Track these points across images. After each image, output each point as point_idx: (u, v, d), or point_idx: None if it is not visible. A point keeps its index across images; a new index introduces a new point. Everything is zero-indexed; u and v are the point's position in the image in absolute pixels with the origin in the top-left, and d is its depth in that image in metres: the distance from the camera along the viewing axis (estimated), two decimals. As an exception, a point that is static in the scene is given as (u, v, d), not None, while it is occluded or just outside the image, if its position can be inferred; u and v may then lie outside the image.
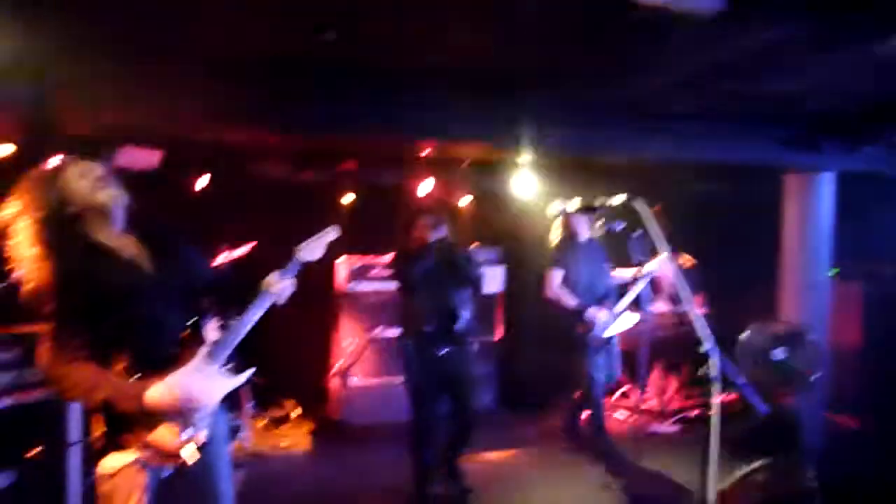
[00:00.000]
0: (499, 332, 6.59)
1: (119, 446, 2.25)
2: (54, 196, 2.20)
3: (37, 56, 3.53)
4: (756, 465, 3.65)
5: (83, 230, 2.27)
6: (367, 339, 6.06)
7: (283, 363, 6.34)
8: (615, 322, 4.94)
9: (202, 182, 5.93)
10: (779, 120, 5.39)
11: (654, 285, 4.85)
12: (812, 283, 5.96)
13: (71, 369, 2.16)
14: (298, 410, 6.17)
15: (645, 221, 2.43)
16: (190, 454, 2.26)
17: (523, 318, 6.58)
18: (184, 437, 2.26)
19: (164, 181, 5.45)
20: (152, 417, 2.23)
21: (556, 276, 4.98)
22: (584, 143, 5.29)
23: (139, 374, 2.24)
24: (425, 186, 6.66)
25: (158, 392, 2.20)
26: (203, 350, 2.37)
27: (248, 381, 2.63)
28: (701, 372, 2.15)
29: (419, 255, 3.96)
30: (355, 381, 6.03)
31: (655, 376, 6.41)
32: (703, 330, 2.16)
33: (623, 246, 4.57)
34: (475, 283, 4.31)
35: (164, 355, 2.29)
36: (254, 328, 2.49)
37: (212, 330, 2.48)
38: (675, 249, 6.02)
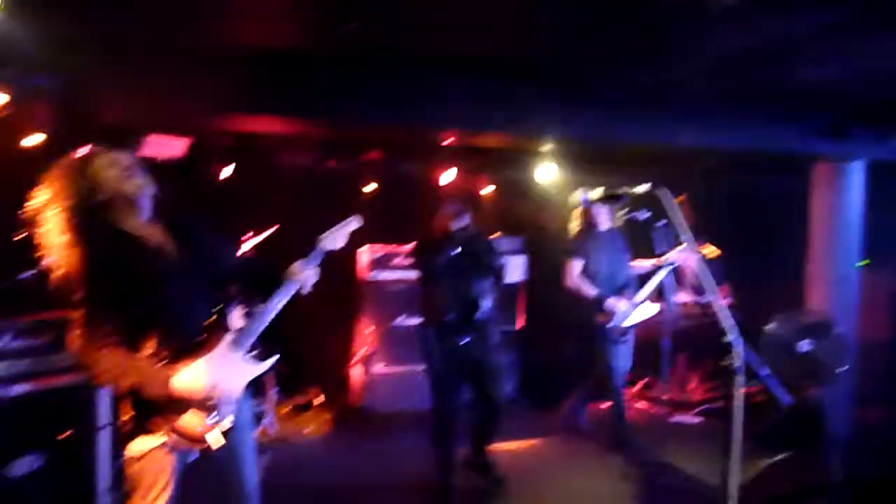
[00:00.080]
0: (521, 322, 6.58)
1: (146, 430, 2.31)
2: (83, 185, 2.24)
3: (65, 48, 3.58)
4: (779, 457, 3.62)
5: (111, 218, 2.31)
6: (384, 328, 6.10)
7: (307, 351, 6.41)
8: (634, 312, 4.92)
9: (227, 171, 5.98)
10: (808, 107, 5.30)
11: (678, 275, 4.80)
12: (840, 275, 5.87)
13: (100, 355, 2.21)
14: (321, 398, 6.24)
15: (668, 211, 2.41)
16: (215, 439, 2.30)
17: (545, 307, 6.57)
18: (209, 422, 2.30)
19: (189, 170, 5.51)
20: (178, 403, 2.28)
21: (575, 266, 4.96)
22: (607, 131, 5.25)
23: (166, 360, 2.29)
24: (448, 176, 6.66)
25: (185, 378, 2.24)
26: (228, 337, 2.40)
27: (272, 369, 2.66)
28: (724, 363, 2.13)
29: (441, 245, 3.97)
30: (378, 368, 6.07)
31: (678, 367, 6.37)
32: (726, 321, 2.14)
33: (646, 235, 4.53)
34: (497, 272, 4.31)
35: (190, 342, 2.34)
36: (277, 316, 2.52)
37: (237, 317, 2.51)
38: (699, 240, 5.99)
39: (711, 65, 4.22)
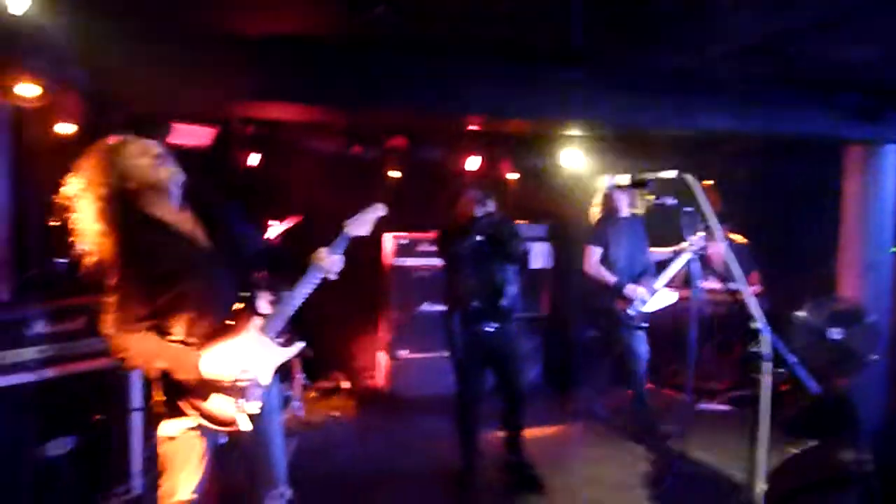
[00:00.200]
0: (545, 308, 6.57)
1: (177, 413, 2.36)
2: (115, 173, 2.28)
3: (94, 39, 3.64)
4: (808, 446, 3.59)
5: (142, 206, 2.35)
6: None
7: (333, 336, 6.47)
8: (653, 299, 4.90)
9: (253, 159, 6.03)
10: (839, 90, 5.19)
11: (706, 262, 4.73)
12: (873, 261, 5.76)
13: (132, 339, 2.27)
14: (347, 383, 6.30)
15: (696, 197, 2.39)
16: (243, 423, 2.34)
17: (570, 294, 6.54)
18: (238, 406, 2.34)
19: (216, 158, 5.57)
20: (208, 386, 2.32)
21: (594, 253, 4.95)
22: (634, 116, 5.19)
23: (195, 345, 2.34)
24: (472, 162, 6.64)
25: (214, 362, 2.28)
26: (256, 322, 2.44)
27: (299, 354, 2.69)
28: (751, 350, 2.12)
29: (465, 231, 3.96)
30: (403, 354, 6.11)
31: (705, 354, 6.32)
32: (753, 308, 2.12)
33: (671, 222, 4.50)
34: (521, 258, 4.30)
35: (219, 327, 2.38)
36: (304, 301, 2.55)
37: (264, 303, 2.54)
38: (726, 226, 5.92)
39: (740, 48, 4.15)
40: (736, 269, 2.26)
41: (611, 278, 4.86)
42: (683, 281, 6.45)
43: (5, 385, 3.16)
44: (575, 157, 6.37)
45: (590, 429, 5.30)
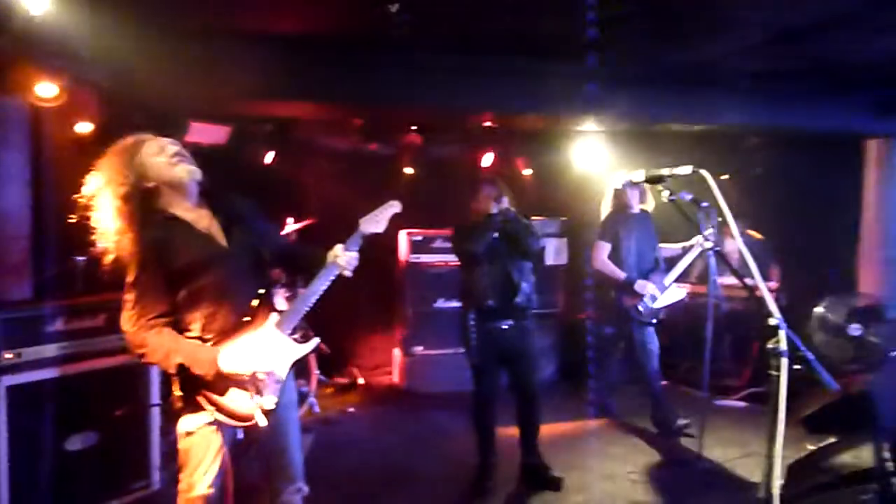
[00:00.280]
0: (561, 305, 6.56)
1: (195, 408, 2.38)
2: (133, 172, 2.31)
3: (111, 38, 3.67)
4: (826, 442, 3.55)
5: (161, 204, 2.38)
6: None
7: (348, 332, 6.51)
8: (663, 295, 4.91)
9: (269, 156, 6.07)
10: (856, 84, 5.13)
11: (722, 258, 4.72)
12: (892, 256, 5.70)
13: (151, 335, 2.29)
14: (363, 379, 6.33)
15: (712, 193, 2.37)
16: (260, 418, 2.36)
17: (585, 290, 6.53)
18: (254, 401, 2.36)
19: (232, 155, 5.61)
20: (225, 382, 2.34)
21: (603, 249, 4.97)
22: (650, 111, 5.17)
23: (213, 341, 2.36)
24: (487, 158, 6.64)
25: (231, 358, 2.30)
26: (273, 319, 2.45)
27: (315, 350, 2.70)
28: (769, 346, 2.10)
29: (481, 228, 3.94)
30: (418, 350, 6.12)
31: (723, 350, 6.27)
32: (771, 304, 2.10)
33: (682, 218, 4.47)
34: (537, 255, 4.29)
35: (236, 323, 2.40)
36: (320, 298, 2.56)
37: (281, 299, 2.56)
38: (743, 222, 5.87)
39: (756, 42, 4.11)
40: (752, 265, 2.24)
41: (620, 274, 4.87)
42: (700, 277, 6.42)
43: (26, 381, 3.21)
44: (589, 153, 6.34)
45: (605, 425, 5.28)
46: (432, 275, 6.19)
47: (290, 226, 5.65)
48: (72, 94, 3.86)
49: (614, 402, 5.48)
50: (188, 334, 2.37)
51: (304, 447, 2.72)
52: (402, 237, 6.24)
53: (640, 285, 4.81)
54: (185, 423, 2.41)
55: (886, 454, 3.39)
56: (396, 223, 2.76)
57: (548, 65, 4.70)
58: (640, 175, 2.60)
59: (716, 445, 4.62)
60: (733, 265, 2.49)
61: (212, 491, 2.41)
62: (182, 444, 2.43)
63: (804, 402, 4.73)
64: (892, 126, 5.36)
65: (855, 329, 5.45)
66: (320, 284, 2.52)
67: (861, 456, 3.35)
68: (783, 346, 2.05)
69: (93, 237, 2.34)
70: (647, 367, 4.95)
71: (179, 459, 2.45)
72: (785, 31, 3.94)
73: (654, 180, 2.54)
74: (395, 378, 6.44)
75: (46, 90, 3.71)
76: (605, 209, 5.13)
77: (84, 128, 4.39)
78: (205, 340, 2.37)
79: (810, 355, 2.05)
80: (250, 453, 2.57)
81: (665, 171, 2.49)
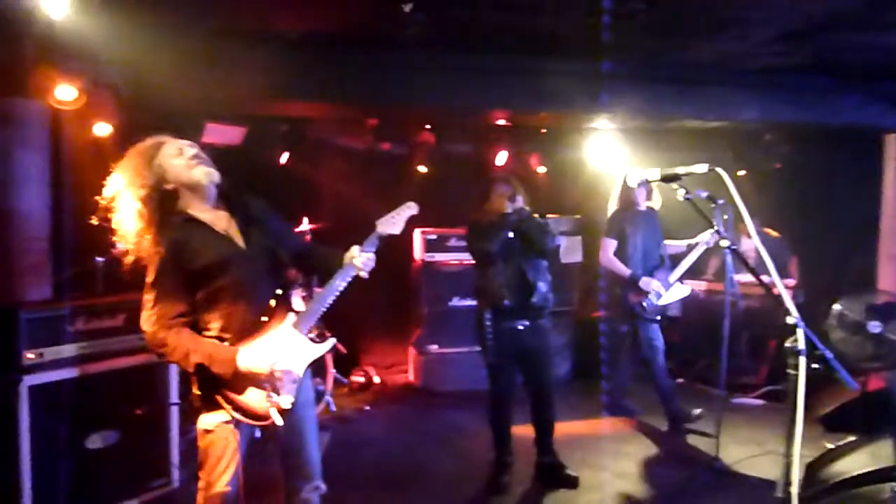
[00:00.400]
0: (576, 302, 6.54)
1: (213, 407, 2.41)
2: (152, 174, 2.34)
3: (128, 41, 3.71)
4: (845, 441, 3.53)
5: (179, 205, 2.42)
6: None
7: (364, 331, 6.54)
8: (668, 292, 4.95)
9: (284, 157, 6.10)
10: (877, 78, 5.07)
11: (739, 256, 4.71)
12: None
13: (170, 334, 2.32)
14: (378, 377, 6.35)
15: (728, 190, 2.36)
16: (277, 417, 2.38)
17: (599, 287, 6.51)
18: (272, 400, 2.38)
19: (247, 156, 5.64)
20: (243, 381, 2.37)
21: (610, 245, 5.01)
22: (664, 107, 5.15)
23: (231, 340, 2.39)
24: (501, 156, 6.63)
25: (249, 358, 2.33)
26: (290, 319, 2.47)
27: (331, 349, 2.72)
28: (787, 345, 2.09)
29: (495, 227, 3.93)
30: (433, 349, 6.14)
31: (740, 348, 6.23)
32: (789, 301, 2.09)
33: (692, 215, 4.47)
34: (552, 254, 4.28)
35: (253, 323, 2.42)
36: (336, 297, 2.57)
37: (298, 299, 2.58)
38: (759, 219, 5.83)
39: (772, 37, 4.07)
40: (769, 263, 2.23)
41: (625, 270, 4.91)
42: (717, 274, 6.38)
43: (48, 381, 3.25)
44: (603, 150, 6.32)
45: (620, 423, 5.27)
46: (447, 273, 6.20)
47: (304, 225, 5.68)
48: (90, 96, 3.91)
49: (628, 400, 5.47)
50: (207, 334, 2.40)
51: (321, 445, 2.73)
52: (417, 236, 6.25)
53: (645, 282, 4.85)
54: (204, 421, 2.44)
55: (906, 453, 3.36)
56: (411, 222, 2.76)
57: (561, 63, 4.69)
58: (655, 174, 2.59)
59: (732, 444, 4.59)
60: (750, 263, 2.48)
61: (230, 489, 2.43)
62: (201, 442, 2.46)
63: (822, 401, 4.71)
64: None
65: (874, 326, 5.39)
66: (337, 285, 2.53)
67: (880, 454, 3.32)
68: (801, 344, 2.04)
69: (112, 238, 2.38)
70: (654, 364, 4.98)
71: (199, 457, 2.47)
72: (800, 26, 3.90)
73: (669, 179, 2.53)
74: (411, 376, 6.46)
75: (66, 93, 3.76)
76: (612, 206, 5.14)
77: (102, 129, 4.44)
78: (223, 340, 2.39)
79: (829, 354, 2.03)
80: (267, 450, 2.59)
81: (680, 170, 2.48)
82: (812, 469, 3.41)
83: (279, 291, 2.50)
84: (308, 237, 5.48)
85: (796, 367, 2.03)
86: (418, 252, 6.26)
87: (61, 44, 3.40)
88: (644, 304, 4.86)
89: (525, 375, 4.13)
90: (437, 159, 6.62)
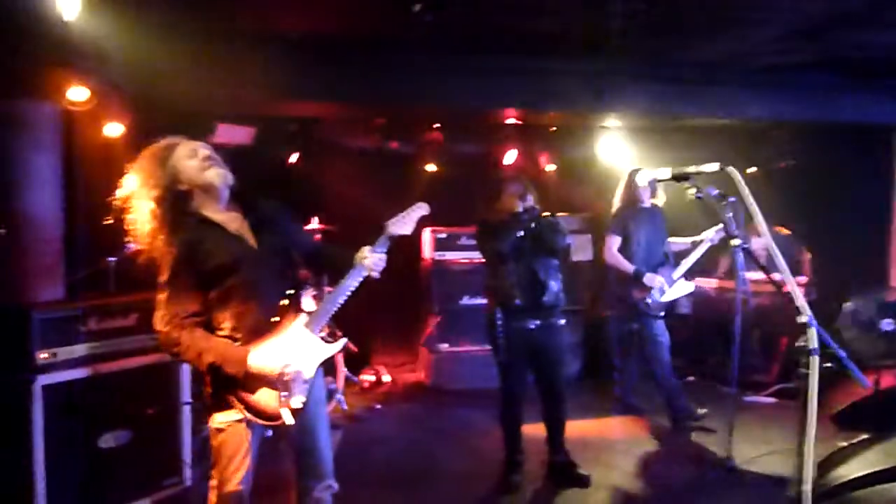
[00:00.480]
0: (586, 301, 6.53)
1: (225, 406, 2.42)
2: (166, 175, 2.36)
3: (142, 43, 3.73)
4: (857, 439, 3.51)
5: (193, 206, 2.43)
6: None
7: (375, 330, 6.55)
8: (671, 289, 4.95)
9: (293, 156, 6.12)
10: (888, 74, 5.03)
11: (750, 254, 4.70)
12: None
13: (183, 334, 2.34)
14: (389, 376, 6.36)
15: (738, 188, 2.35)
16: (288, 416, 2.39)
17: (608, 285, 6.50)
18: (283, 400, 2.39)
19: (257, 156, 5.66)
20: (255, 381, 2.38)
21: (613, 242, 5.01)
22: (674, 105, 5.13)
23: (242, 340, 2.40)
24: (510, 155, 6.62)
25: (260, 358, 2.34)
26: (302, 319, 2.49)
27: (342, 348, 2.72)
28: (799, 343, 2.08)
29: (506, 227, 3.92)
30: (444, 347, 6.14)
31: (751, 346, 6.21)
32: (801, 300, 2.08)
33: (698, 213, 4.46)
34: (563, 252, 4.27)
35: (265, 323, 2.43)
36: (347, 296, 2.58)
37: (309, 299, 2.59)
38: (769, 217, 5.80)
39: (780, 35, 4.05)
40: (781, 262, 2.22)
41: (629, 267, 4.91)
42: (728, 272, 6.35)
43: (61, 381, 3.27)
44: (613, 149, 6.31)
45: (631, 422, 5.25)
46: (457, 272, 6.20)
47: (313, 224, 5.69)
48: (102, 97, 3.93)
49: (635, 398, 5.46)
50: (219, 333, 2.42)
51: (333, 444, 2.74)
52: (427, 235, 6.26)
53: (649, 278, 4.85)
54: (217, 420, 2.45)
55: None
56: (420, 221, 2.76)
57: (568, 62, 4.69)
58: (665, 173, 2.58)
59: (744, 442, 4.57)
60: (761, 261, 2.46)
61: (242, 488, 2.44)
62: (214, 440, 2.47)
63: (835, 399, 4.68)
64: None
65: (886, 324, 5.37)
66: (348, 285, 2.54)
67: (893, 452, 3.30)
68: (813, 343, 2.03)
69: (125, 238, 2.40)
70: (659, 360, 4.98)
71: (212, 456, 2.49)
72: (806, 24, 3.88)
73: (679, 178, 2.52)
74: (422, 375, 6.47)
75: (78, 94, 3.78)
76: (616, 203, 5.15)
77: (113, 130, 4.46)
78: (235, 339, 2.41)
79: (842, 353, 2.02)
80: (278, 449, 2.60)
81: (691, 169, 2.47)
82: (824, 467, 3.39)
83: (291, 291, 2.51)
84: (318, 236, 5.49)
85: (808, 366, 2.02)
86: (428, 251, 6.26)
87: (73, 45, 3.42)
88: (648, 300, 4.87)
89: (536, 374, 4.12)
90: (445, 158, 6.62)
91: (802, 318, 2.05)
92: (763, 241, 2.43)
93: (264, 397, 2.40)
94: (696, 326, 6.49)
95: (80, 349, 3.37)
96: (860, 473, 3.24)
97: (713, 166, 2.38)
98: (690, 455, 4.59)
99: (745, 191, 2.31)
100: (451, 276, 6.20)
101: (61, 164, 4.04)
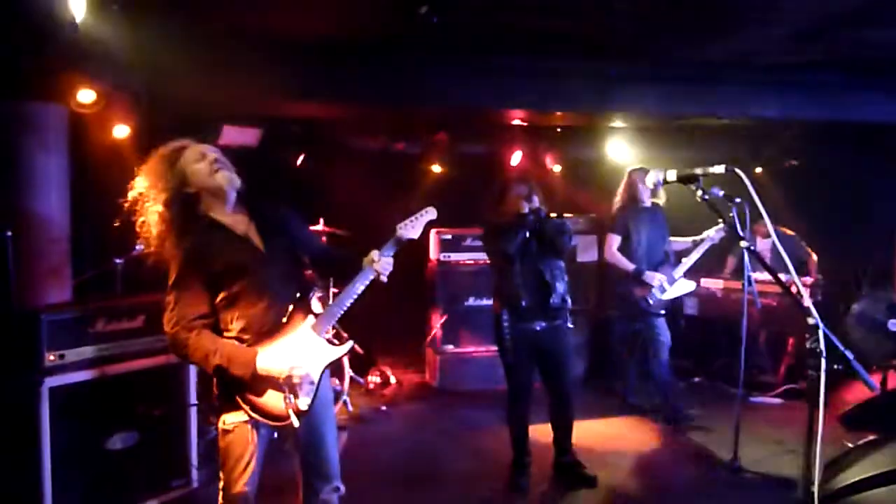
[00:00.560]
0: (591, 302, 6.52)
1: (232, 407, 2.43)
2: (175, 178, 2.38)
3: (145, 44, 3.75)
4: (865, 439, 3.49)
5: (201, 209, 2.45)
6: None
7: (381, 331, 6.55)
8: (672, 287, 4.97)
9: (300, 158, 6.13)
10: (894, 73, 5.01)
11: (757, 256, 4.71)
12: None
13: (191, 336, 2.34)
14: (395, 377, 6.36)
15: (745, 189, 2.35)
16: (295, 418, 2.40)
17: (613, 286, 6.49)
18: (289, 402, 2.39)
19: (264, 158, 5.68)
20: (261, 383, 2.39)
21: (614, 241, 5.04)
22: (680, 104, 5.12)
23: (250, 342, 2.41)
24: (516, 156, 6.62)
25: (268, 360, 2.35)
26: (309, 321, 2.49)
27: (349, 349, 2.73)
28: (809, 346, 2.07)
29: (513, 228, 3.91)
30: (450, 348, 6.14)
31: (758, 346, 6.19)
32: (808, 301, 2.07)
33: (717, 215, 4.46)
34: (569, 253, 4.27)
35: (272, 325, 2.44)
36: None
37: (316, 302, 2.59)
38: (775, 218, 5.79)
39: (789, 34, 4.03)
40: (788, 263, 2.22)
41: (629, 266, 4.93)
42: (734, 273, 6.34)
43: (68, 383, 3.28)
44: (619, 149, 6.30)
45: (637, 422, 5.24)
46: (463, 273, 6.20)
47: (320, 226, 5.70)
48: (109, 99, 3.94)
49: (640, 398, 5.45)
50: (227, 335, 2.42)
51: (339, 445, 2.74)
52: (432, 236, 6.26)
53: (649, 276, 4.89)
54: (225, 419, 2.46)
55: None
56: (426, 223, 2.77)
57: (575, 62, 4.68)
58: (672, 175, 2.58)
59: (751, 442, 4.55)
60: (767, 262, 2.46)
61: (248, 489, 2.45)
62: (222, 441, 2.48)
63: (842, 399, 4.67)
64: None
65: (894, 324, 5.35)
66: (356, 288, 2.54)
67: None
68: (821, 345, 2.02)
69: (132, 240, 2.41)
70: (658, 359, 5.00)
71: (220, 457, 2.50)
72: (816, 23, 3.87)
73: (686, 180, 2.51)
74: (427, 376, 6.46)
75: (86, 96, 3.80)
76: (617, 202, 5.16)
77: (121, 132, 4.47)
78: (242, 341, 2.41)
79: (850, 354, 2.02)
80: (284, 450, 2.60)
81: (698, 171, 2.46)
82: (831, 468, 3.38)
83: (298, 294, 2.51)
84: (324, 238, 5.50)
85: (817, 368, 2.02)
86: (434, 252, 6.26)
87: (82, 48, 3.43)
88: (649, 299, 4.88)
89: (543, 376, 4.12)
90: (451, 159, 6.62)
91: (811, 321, 2.04)
92: (769, 241, 2.42)
93: (271, 399, 2.41)
94: (703, 327, 6.48)
95: (87, 351, 3.38)
96: (868, 475, 3.23)
97: (720, 168, 2.38)
98: (697, 456, 4.58)
99: (753, 192, 2.31)
100: (457, 277, 6.20)
101: (68, 165, 4.05)
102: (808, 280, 5.94)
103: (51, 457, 3.18)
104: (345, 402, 5.43)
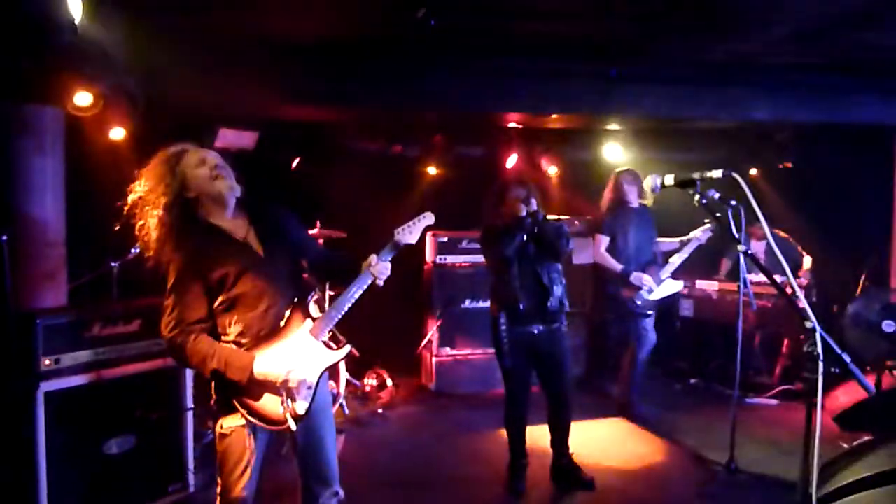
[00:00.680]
0: (588, 304, 6.52)
1: (230, 412, 2.43)
2: (174, 182, 2.37)
3: (142, 46, 3.74)
4: (861, 440, 3.50)
5: (200, 213, 2.44)
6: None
7: (377, 334, 6.53)
8: (660, 287, 5.01)
9: (296, 161, 6.12)
10: (890, 75, 5.03)
11: (752, 258, 4.73)
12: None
13: (189, 340, 2.35)
14: (392, 380, 6.35)
15: (742, 192, 2.36)
16: (292, 423, 2.39)
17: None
18: (287, 406, 2.39)
19: (261, 161, 5.67)
20: (259, 387, 2.38)
21: (602, 242, 5.08)
22: (677, 107, 5.14)
23: (248, 346, 2.40)
24: (514, 159, 6.63)
25: (265, 364, 2.35)
26: (307, 325, 2.49)
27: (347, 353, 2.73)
28: (806, 349, 2.08)
29: (510, 231, 3.91)
30: (446, 351, 6.14)
31: (754, 348, 6.20)
32: (804, 304, 2.08)
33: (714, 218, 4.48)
34: (566, 256, 4.28)
35: (270, 329, 2.44)
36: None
37: (314, 306, 2.59)
38: (770, 219, 5.81)
39: (789, 35, 4.04)
40: (784, 265, 2.23)
41: (617, 266, 4.98)
42: (729, 275, 6.36)
43: (64, 387, 3.27)
44: (616, 151, 6.31)
45: (633, 424, 5.24)
46: (459, 276, 6.20)
47: (317, 229, 5.69)
48: (106, 102, 3.93)
49: (641, 400, 5.46)
50: (225, 339, 2.42)
51: (336, 449, 2.74)
52: (428, 238, 6.25)
53: (636, 277, 4.94)
54: (223, 423, 2.45)
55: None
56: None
57: (573, 65, 4.69)
58: (670, 179, 2.59)
59: (747, 444, 4.57)
60: (762, 264, 2.47)
61: (245, 494, 2.45)
62: (219, 445, 2.48)
63: (837, 399, 4.68)
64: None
65: (889, 325, 5.37)
66: (353, 293, 2.55)
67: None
68: (817, 346, 2.03)
69: (127, 243, 2.41)
70: (635, 354, 5.09)
71: (217, 461, 2.49)
72: (813, 25, 3.88)
73: (684, 184, 2.52)
74: (424, 379, 6.46)
75: (82, 99, 3.78)
76: (605, 203, 5.19)
77: (117, 135, 4.46)
78: (240, 345, 2.41)
79: (847, 357, 2.03)
80: (282, 455, 2.60)
81: (696, 175, 2.47)
82: (828, 470, 3.39)
83: (296, 298, 2.51)
84: (321, 241, 5.49)
85: (814, 371, 2.03)
86: (430, 254, 6.26)
87: (79, 50, 3.42)
88: (636, 300, 4.94)
89: (541, 379, 4.12)
90: (448, 161, 6.62)
91: (808, 324, 2.05)
92: (761, 244, 2.44)
93: (269, 403, 2.41)
94: (699, 329, 6.49)
95: (83, 355, 3.36)
96: (864, 475, 3.24)
97: (717, 172, 2.39)
98: (694, 457, 4.59)
99: (749, 195, 2.32)
100: (453, 280, 6.19)
101: (64, 168, 4.03)
102: (804, 281, 5.96)
103: (47, 462, 3.17)
104: (341, 406, 5.43)
